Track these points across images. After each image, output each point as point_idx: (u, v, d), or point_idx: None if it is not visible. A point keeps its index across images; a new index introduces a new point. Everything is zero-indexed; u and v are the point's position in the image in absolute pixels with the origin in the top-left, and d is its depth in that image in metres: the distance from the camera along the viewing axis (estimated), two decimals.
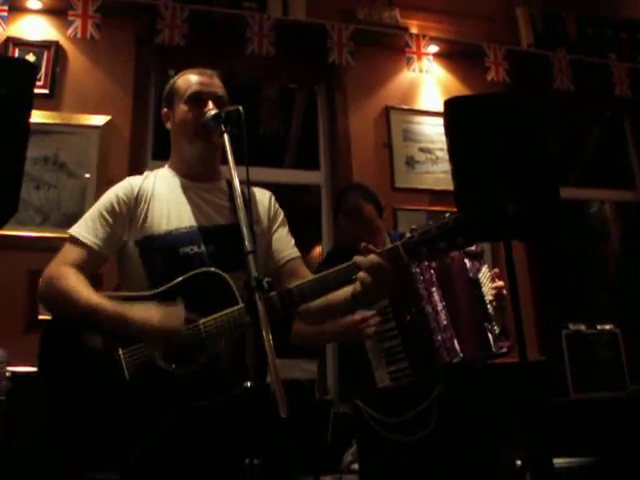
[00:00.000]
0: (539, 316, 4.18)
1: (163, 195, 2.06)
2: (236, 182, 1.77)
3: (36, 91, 2.78)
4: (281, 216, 2.21)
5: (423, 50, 4.18)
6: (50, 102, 3.60)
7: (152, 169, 3.48)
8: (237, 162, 1.81)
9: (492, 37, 4.37)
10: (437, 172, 4.16)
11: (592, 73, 4.48)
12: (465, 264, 2.64)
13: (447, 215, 2.15)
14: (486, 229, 3.17)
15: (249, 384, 1.63)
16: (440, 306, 2.55)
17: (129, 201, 2.02)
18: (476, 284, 2.61)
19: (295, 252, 2.17)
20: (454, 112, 3.32)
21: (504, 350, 2.56)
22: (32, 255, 3.34)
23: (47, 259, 3.32)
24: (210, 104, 2.03)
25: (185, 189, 2.09)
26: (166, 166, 2.18)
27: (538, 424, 2.86)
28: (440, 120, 3.60)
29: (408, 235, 1.87)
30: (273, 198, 2.23)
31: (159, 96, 3.81)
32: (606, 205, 5.09)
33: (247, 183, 1.81)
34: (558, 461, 3.70)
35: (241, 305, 1.80)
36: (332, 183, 4.07)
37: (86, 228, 1.98)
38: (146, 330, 1.80)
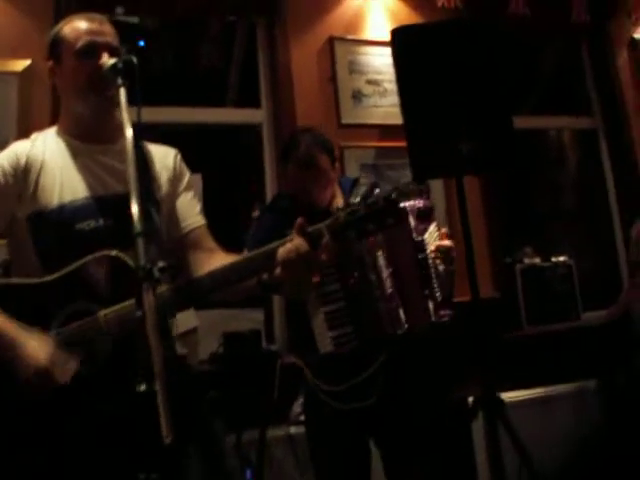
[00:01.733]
0: (493, 252, 4.10)
1: (55, 163, 1.84)
2: (128, 143, 1.56)
3: None
4: (186, 177, 2.02)
5: None
6: None
7: None
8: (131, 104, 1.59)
9: None
10: (386, 105, 3.95)
11: None
12: (409, 223, 2.38)
13: (376, 192, 2.00)
14: (439, 166, 3.09)
15: (142, 387, 1.53)
16: (386, 273, 2.35)
17: (15, 173, 1.80)
18: (421, 246, 2.39)
19: (200, 220, 1.99)
20: (402, 43, 3.15)
21: (445, 319, 2.39)
22: None
23: None
24: (105, 55, 1.78)
25: (79, 153, 1.87)
26: (54, 127, 1.94)
27: (490, 361, 2.86)
28: (388, 50, 3.43)
29: (333, 216, 1.71)
30: (179, 157, 2.02)
31: None
32: (564, 132, 4.94)
33: (137, 131, 1.59)
34: (511, 395, 3.76)
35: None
36: (274, 122, 3.86)
37: None
38: (28, 366, 1.61)
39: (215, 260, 1.88)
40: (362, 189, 2.62)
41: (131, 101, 1.63)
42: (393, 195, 1.73)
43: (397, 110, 3.20)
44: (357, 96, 3.92)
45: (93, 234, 1.79)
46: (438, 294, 2.39)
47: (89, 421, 1.65)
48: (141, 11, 3.73)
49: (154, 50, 3.99)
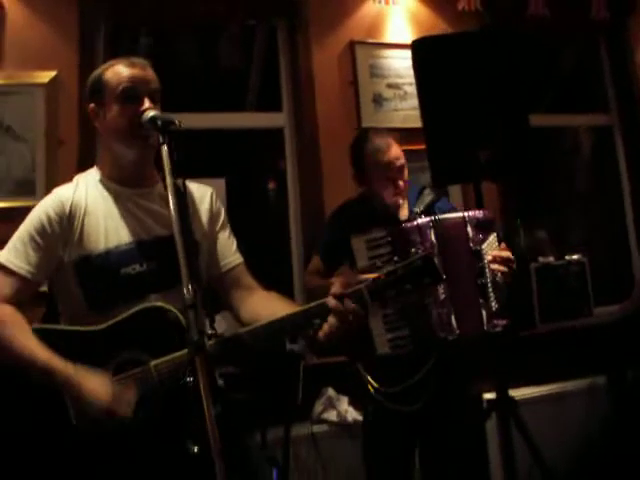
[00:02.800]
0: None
1: (98, 208, 1.92)
2: (171, 197, 1.63)
3: None
4: (222, 216, 2.11)
5: None
6: None
7: None
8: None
9: None
10: (406, 109, 3.97)
11: None
12: (467, 233, 2.54)
13: (412, 251, 2.08)
14: (457, 172, 3.15)
15: (195, 449, 1.63)
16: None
17: (61, 220, 1.88)
18: (478, 255, 2.53)
19: (238, 258, 2.10)
20: (422, 53, 3.19)
21: (498, 329, 2.52)
22: None
23: (2, 229, 3.27)
24: (146, 102, 1.85)
25: (120, 198, 1.95)
26: (95, 169, 2.01)
27: (504, 360, 2.96)
28: (409, 53, 3.46)
29: (372, 278, 1.83)
30: (214, 196, 2.11)
31: (107, 47, 3.61)
32: (580, 130, 4.96)
33: (181, 197, 1.68)
34: (524, 391, 3.87)
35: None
36: (296, 125, 3.89)
37: (17, 255, 1.86)
38: (95, 408, 1.72)
39: (254, 298, 2.04)
40: (427, 198, 2.77)
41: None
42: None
43: (417, 113, 3.25)
44: (377, 100, 3.94)
45: (138, 278, 1.89)
46: (494, 303, 2.52)
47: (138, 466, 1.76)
48: (163, 13, 3.74)
49: (174, 52, 4.00)
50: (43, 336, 1.80)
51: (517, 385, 3.64)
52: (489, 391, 3.42)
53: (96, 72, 1.97)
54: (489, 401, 3.36)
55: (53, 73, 3.41)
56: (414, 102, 3.58)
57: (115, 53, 3.68)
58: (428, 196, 2.78)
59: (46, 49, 3.44)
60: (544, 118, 4.38)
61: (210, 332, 1.65)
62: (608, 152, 4.74)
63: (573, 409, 3.93)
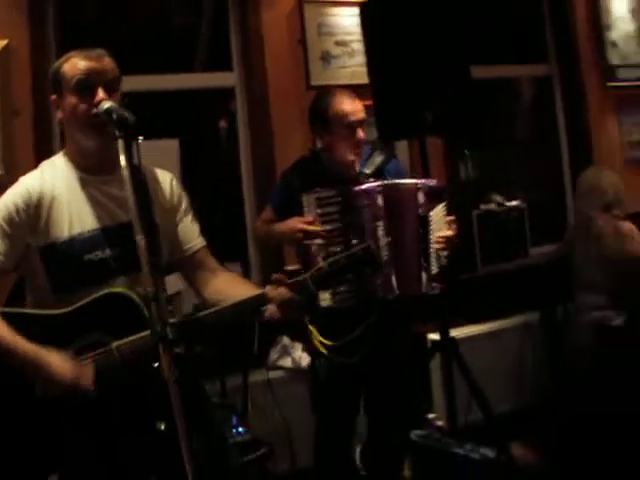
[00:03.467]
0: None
1: (63, 196, 2.02)
2: (126, 174, 1.71)
3: None
4: (184, 201, 2.23)
5: None
6: None
7: None
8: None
9: None
10: (354, 65, 4.08)
11: None
12: (417, 199, 2.72)
13: (354, 242, 2.25)
14: (403, 128, 3.31)
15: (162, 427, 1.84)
16: (383, 241, 2.69)
17: (28, 209, 1.98)
18: (424, 221, 2.72)
19: (200, 242, 2.23)
20: (369, 13, 3.30)
21: (435, 291, 2.77)
22: None
23: None
24: (100, 92, 1.93)
25: (85, 184, 2.05)
26: (61, 155, 2.11)
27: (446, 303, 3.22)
28: (356, 10, 3.56)
29: (316, 267, 2.02)
30: (175, 181, 2.23)
31: (57, 12, 3.59)
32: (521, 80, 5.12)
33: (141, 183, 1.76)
34: (465, 330, 4.18)
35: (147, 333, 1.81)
36: (246, 84, 3.97)
37: None
38: (58, 384, 1.86)
39: (218, 280, 2.20)
40: (377, 160, 2.89)
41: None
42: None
43: (364, 70, 3.40)
44: (326, 57, 4.04)
45: (101, 264, 2.01)
46: (434, 267, 2.76)
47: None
48: None
49: (124, 9, 3.97)
50: (7, 318, 1.92)
51: (458, 324, 3.91)
52: (433, 331, 3.69)
53: (55, 65, 2.04)
54: (433, 342, 3.66)
55: (4, 42, 3.40)
56: (362, 59, 3.71)
57: (64, 17, 3.69)
58: (378, 157, 2.90)
59: None
60: (486, 69, 4.50)
61: (173, 322, 1.74)
62: (547, 101, 4.94)
63: (510, 344, 4.29)
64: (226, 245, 3.87)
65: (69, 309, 1.95)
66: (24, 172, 3.35)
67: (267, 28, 3.93)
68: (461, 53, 3.32)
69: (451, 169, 4.34)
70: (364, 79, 3.40)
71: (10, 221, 1.97)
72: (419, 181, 2.78)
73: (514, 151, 5.17)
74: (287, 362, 3.76)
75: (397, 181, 2.80)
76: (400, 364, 3.07)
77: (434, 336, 3.73)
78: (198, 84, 4.08)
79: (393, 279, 2.68)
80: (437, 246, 2.73)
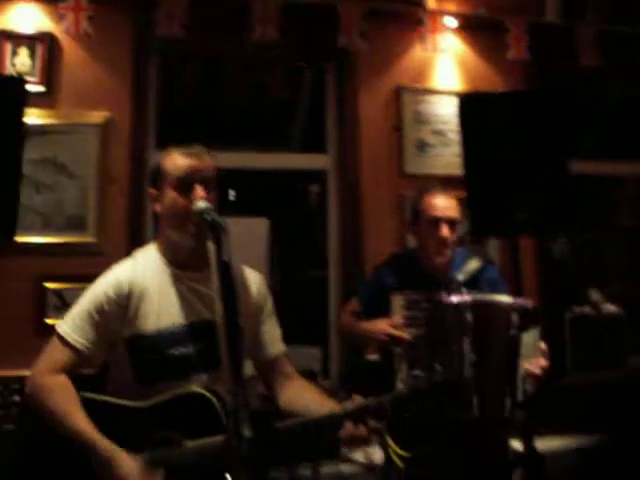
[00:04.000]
0: (544, 303, 4.17)
1: (154, 290, 2.05)
2: (216, 288, 1.75)
3: (31, 88, 2.73)
4: (269, 305, 2.24)
5: (439, 26, 3.92)
6: (46, 99, 3.47)
7: (155, 157, 3.49)
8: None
9: (516, 4, 4.05)
10: (448, 155, 4.00)
11: (620, 45, 4.21)
12: (510, 319, 2.53)
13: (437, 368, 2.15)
14: (496, 225, 3.19)
15: None
16: (467, 359, 2.49)
17: (120, 300, 2.01)
18: (515, 342, 2.52)
19: (280, 347, 2.23)
20: (468, 108, 3.24)
21: (518, 420, 2.58)
22: (36, 260, 3.41)
23: (52, 264, 3.40)
24: (198, 190, 1.97)
25: (175, 280, 2.08)
26: (154, 248, 2.14)
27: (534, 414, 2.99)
28: (454, 99, 3.51)
29: (397, 392, 2.09)
30: (263, 283, 2.24)
31: (159, 88, 3.71)
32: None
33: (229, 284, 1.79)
34: (551, 443, 3.88)
35: (222, 438, 1.81)
36: (340, 167, 3.94)
37: (75, 328, 1.99)
38: None
39: (292, 387, 2.20)
40: (472, 267, 2.81)
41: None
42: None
43: (459, 160, 3.29)
44: (421, 146, 3.98)
45: (183, 360, 2.03)
46: (519, 393, 2.51)
47: None
48: (212, 50, 3.82)
49: (222, 86, 4.08)
50: (90, 404, 1.94)
51: (543, 433, 3.65)
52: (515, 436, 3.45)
53: (155, 160, 2.14)
54: (515, 454, 3.41)
55: (107, 114, 3.53)
56: (457, 149, 3.62)
57: (165, 93, 3.80)
58: (473, 263, 2.82)
59: (100, 90, 3.56)
60: (586, 165, 4.35)
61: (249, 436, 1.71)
62: None
63: (597, 462, 3.96)
64: (308, 328, 3.82)
65: (148, 403, 1.96)
66: (115, 240, 3.51)
67: (364, 113, 3.92)
68: (560, 149, 3.21)
69: (544, 266, 4.14)
70: (459, 170, 3.32)
71: (101, 311, 2.01)
72: (514, 301, 2.59)
73: (614, 239, 4.93)
74: (359, 455, 3.57)
75: (490, 298, 2.62)
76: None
77: (516, 444, 3.51)
78: (291, 165, 4.09)
79: (474, 400, 2.47)
80: (525, 372, 2.52)
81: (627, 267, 4.92)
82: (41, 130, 3.41)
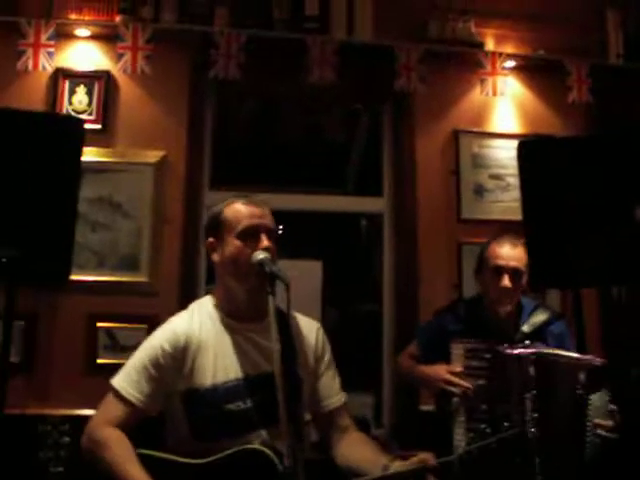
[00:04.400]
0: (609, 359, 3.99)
1: (210, 342, 2.02)
2: (274, 330, 1.74)
3: (88, 126, 2.75)
4: (327, 354, 2.18)
5: (498, 68, 3.83)
6: (102, 137, 3.50)
7: (209, 202, 3.50)
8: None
9: (577, 45, 3.99)
10: (507, 200, 3.89)
11: None
12: (577, 377, 2.38)
13: (505, 425, 2.04)
14: (556, 276, 3.06)
15: None
16: (529, 415, 2.34)
17: (175, 354, 1.98)
18: (582, 403, 2.37)
19: (340, 399, 2.16)
20: (528, 154, 3.14)
21: None
22: (90, 298, 3.40)
23: (104, 302, 3.40)
24: (264, 239, 1.96)
25: (232, 332, 2.05)
26: (210, 299, 2.11)
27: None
28: (513, 143, 3.41)
29: (466, 450, 1.87)
30: (321, 331, 2.19)
31: (214, 128, 3.72)
32: None
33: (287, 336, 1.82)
34: None
35: None
36: (395, 211, 3.87)
37: (130, 382, 1.96)
38: None
39: (349, 441, 2.12)
40: (539, 319, 2.74)
41: None
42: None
43: (518, 205, 3.18)
44: (479, 190, 3.89)
45: (242, 415, 1.98)
46: (586, 456, 2.35)
47: None
48: (269, 91, 3.83)
49: (276, 122, 4.08)
50: (147, 461, 1.88)
51: None
52: None
53: (215, 209, 2.10)
54: None
55: (162, 153, 3.53)
56: (516, 194, 3.52)
57: (220, 133, 3.81)
58: (540, 316, 2.74)
59: (156, 129, 3.57)
60: None
61: None
62: None
63: None
64: (361, 374, 3.72)
65: (206, 460, 1.89)
66: (168, 280, 3.48)
67: (421, 156, 3.85)
68: (624, 196, 3.10)
69: (607, 318, 3.95)
70: (517, 215, 3.21)
71: (156, 364, 1.97)
72: (582, 357, 2.45)
73: None
74: None
75: (555, 352, 2.49)
76: None
77: None
78: (348, 207, 4.04)
79: (536, 461, 2.28)
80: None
81: None
82: (97, 168, 3.42)
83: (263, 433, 1.96)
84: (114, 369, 2.11)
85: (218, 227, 2.05)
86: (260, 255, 1.92)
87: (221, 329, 2.06)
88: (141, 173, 3.50)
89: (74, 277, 3.32)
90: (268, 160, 3.83)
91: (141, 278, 3.45)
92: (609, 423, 2.36)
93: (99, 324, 3.37)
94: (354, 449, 2.07)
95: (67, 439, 3.13)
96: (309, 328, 2.17)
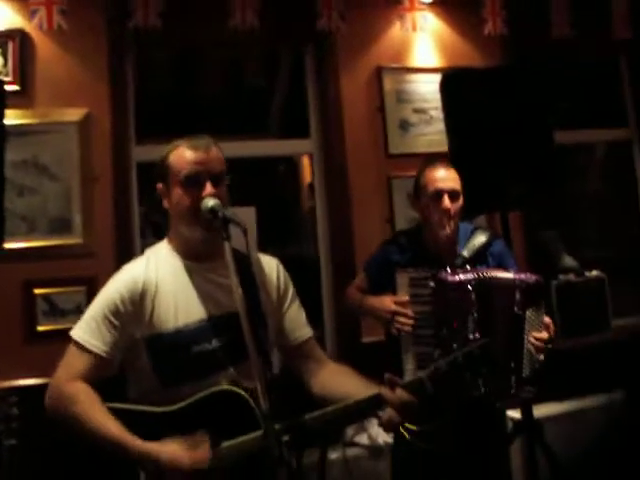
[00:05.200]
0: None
1: (168, 285, 1.96)
2: (234, 281, 1.72)
3: (5, 88, 2.62)
4: (290, 289, 2.15)
5: (416, 4, 3.88)
6: (21, 99, 3.33)
7: (137, 157, 3.43)
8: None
9: None
10: (431, 133, 3.98)
11: (591, 14, 4.23)
12: (514, 296, 2.56)
13: (471, 338, 2.12)
14: (484, 202, 3.20)
15: None
16: (472, 337, 2.51)
17: (134, 299, 1.92)
18: (519, 320, 2.55)
19: (307, 332, 2.14)
20: (451, 86, 3.24)
21: (524, 395, 2.59)
22: (24, 265, 3.30)
23: (39, 268, 3.32)
24: (208, 187, 1.88)
25: (190, 273, 1.98)
26: (166, 243, 2.05)
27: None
28: (435, 77, 3.51)
29: (434, 365, 1.90)
30: (281, 268, 2.15)
31: (137, 81, 3.60)
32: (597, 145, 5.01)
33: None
34: (545, 409, 3.96)
35: (259, 433, 1.76)
36: (324, 151, 3.89)
37: (91, 333, 1.90)
38: (175, 467, 1.77)
39: (325, 372, 2.10)
40: (478, 241, 2.79)
41: None
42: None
43: (442, 137, 3.33)
44: (404, 125, 3.95)
45: (208, 356, 1.94)
46: (526, 369, 2.55)
47: None
48: (188, 35, 3.72)
49: (199, 74, 3.99)
50: (117, 414, 1.84)
51: (537, 402, 3.71)
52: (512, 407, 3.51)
53: (162, 154, 1.99)
54: (514, 422, 3.46)
55: (85, 110, 3.41)
56: (439, 126, 3.61)
57: (141, 84, 3.70)
58: (480, 238, 2.80)
59: (77, 86, 3.43)
60: (562, 135, 4.38)
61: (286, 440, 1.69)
62: (625, 166, 4.79)
63: (592, 425, 4.05)
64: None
65: (177, 407, 1.87)
66: (102, 240, 3.41)
67: (345, 95, 3.86)
68: (544, 121, 3.25)
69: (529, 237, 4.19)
70: (442, 147, 3.31)
71: (116, 312, 1.91)
72: (517, 276, 2.61)
73: (591, 212, 5.03)
74: (363, 439, 3.58)
75: (493, 274, 2.63)
76: (488, 453, 2.85)
77: (514, 414, 3.57)
78: (274, 151, 4.04)
79: (480, 378, 2.48)
80: (531, 347, 2.53)
81: (597, 232, 5.04)
82: (19, 131, 3.26)
83: (231, 372, 1.92)
84: (56, 335, 2.05)
85: (164, 173, 1.97)
86: (210, 202, 1.84)
87: (180, 271, 1.99)
88: (65, 133, 3.37)
89: (5, 245, 3.26)
90: (192, 109, 3.76)
91: (75, 240, 3.36)
92: (544, 335, 2.55)
93: (36, 291, 3.28)
94: (332, 379, 2.05)
95: (16, 411, 3.11)
96: (269, 265, 2.13)
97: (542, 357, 2.56)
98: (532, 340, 2.53)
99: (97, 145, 3.42)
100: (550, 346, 2.55)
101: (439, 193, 2.71)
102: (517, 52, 4.05)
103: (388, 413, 1.86)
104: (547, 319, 2.60)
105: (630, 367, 4.10)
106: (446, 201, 2.70)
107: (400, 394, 1.84)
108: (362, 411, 1.90)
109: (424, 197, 2.76)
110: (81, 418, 1.81)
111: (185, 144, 1.96)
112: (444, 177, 2.74)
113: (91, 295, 3.03)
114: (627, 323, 4.45)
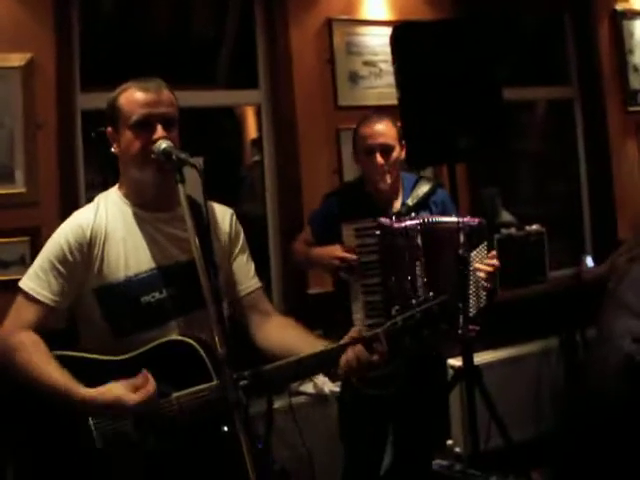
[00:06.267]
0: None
1: (118, 233, 1.94)
2: (187, 214, 1.73)
3: None
4: (241, 240, 2.15)
5: None
6: None
7: (83, 104, 3.34)
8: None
9: None
10: (381, 86, 4.00)
11: None
12: (458, 239, 2.68)
13: (430, 295, 2.17)
14: (432, 155, 3.27)
15: None
16: (420, 281, 2.64)
17: (82, 247, 1.90)
18: (464, 261, 2.68)
19: (255, 283, 2.15)
20: (401, 38, 3.26)
21: (471, 334, 2.71)
22: None
23: None
24: (159, 129, 1.86)
25: (141, 222, 1.97)
26: (116, 190, 2.02)
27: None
28: (385, 30, 3.52)
29: (392, 322, 1.91)
30: (234, 217, 2.15)
31: (83, 26, 3.48)
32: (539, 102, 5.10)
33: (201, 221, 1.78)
34: (485, 356, 4.12)
35: (214, 383, 1.78)
36: (273, 102, 3.86)
37: (39, 282, 1.88)
38: (121, 407, 1.75)
39: (271, 324, 2.12)
40: (422, 190, 2.88)
41: None
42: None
43: (392, 91, 3.38)
44: (353, 78, 3.95)
45: (159, 305, 1.94)
46: (472, 309, 2.70)
47: None
48: None
49: (144, 20, 3.88)
50: (65, 362, 1.83)
51: (476, 350, 3.85)
52: (453, 354, 3.64)
53: (111, 96, 1.95)
54: (455, 370, 3.60)
55: (29, 55, 3.26)
56: (389, 79, 3.64)
57: (86, 31, 3.58)
58: (423, 187, 2.89)
59: (20, 30, 3.27)
60: (507, 91, 4.44)
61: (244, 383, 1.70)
62: (567, 123, 4.90)
63: (528, 370, 4.24)
64: None
65: (128, 356, 1.87)
66: (46, 189, 3.34)
67: (295, 46, 3.83)
68: (493, 76, 3.31)
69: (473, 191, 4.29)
70: (392, 100, 3.35)
71: (64, 260, 1.89)
72: (461, 220, 2.74)
73: (531, 170, 5.17)
74: (309, 387, 3.66)
75: (437, 219, 2.76)
76: (431, 398, 3.02)
77: (454, 362, 3.70)
78: (222, 101, 4.00)
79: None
80: (480, 277, 2.67)
81: (536, 189, 5.18)
82: None
83: (181, 322, 1.93)
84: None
85: (114, 116, 1.92)
86: (163, 144, 1.81)
87: (130, 220, 1.97)
88: (7, 78, 3.23)
89: None
90: (139, 57, 3.66)
91: (18, 189, 3.26)
92: (488, 268, 2.69)
93: None
94: (278, 332, 2.07)
95: None
96: (222, 214, 2.12)
97: (486, 294, 2.71)
98: (480, 274, 2.66)
99: (41, 92, 3.29)
100: (497, 276, 2.70)
101: (371, 149, 2.78)
102: (467, 6, 4.08)
103: (344, 366, 1.86)
104: (492, 253, 2.74)
105: (564, 316, 4.29)
106: (378, 157, 2.77)
107: (358, 350, 1.85)
108: (321, 364, 1.91)
109: (360, 153, 2.85)
110: (26, 367, 1.81)
111: (135, 86, 1.92)
112: (375, 132, 2.80)
113: (35, 246, 3.00)
114: (562, 275, 4.65)
